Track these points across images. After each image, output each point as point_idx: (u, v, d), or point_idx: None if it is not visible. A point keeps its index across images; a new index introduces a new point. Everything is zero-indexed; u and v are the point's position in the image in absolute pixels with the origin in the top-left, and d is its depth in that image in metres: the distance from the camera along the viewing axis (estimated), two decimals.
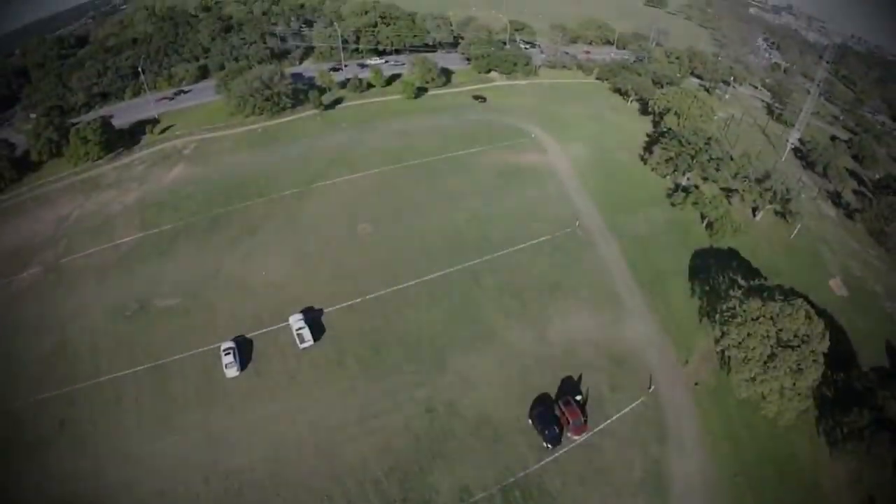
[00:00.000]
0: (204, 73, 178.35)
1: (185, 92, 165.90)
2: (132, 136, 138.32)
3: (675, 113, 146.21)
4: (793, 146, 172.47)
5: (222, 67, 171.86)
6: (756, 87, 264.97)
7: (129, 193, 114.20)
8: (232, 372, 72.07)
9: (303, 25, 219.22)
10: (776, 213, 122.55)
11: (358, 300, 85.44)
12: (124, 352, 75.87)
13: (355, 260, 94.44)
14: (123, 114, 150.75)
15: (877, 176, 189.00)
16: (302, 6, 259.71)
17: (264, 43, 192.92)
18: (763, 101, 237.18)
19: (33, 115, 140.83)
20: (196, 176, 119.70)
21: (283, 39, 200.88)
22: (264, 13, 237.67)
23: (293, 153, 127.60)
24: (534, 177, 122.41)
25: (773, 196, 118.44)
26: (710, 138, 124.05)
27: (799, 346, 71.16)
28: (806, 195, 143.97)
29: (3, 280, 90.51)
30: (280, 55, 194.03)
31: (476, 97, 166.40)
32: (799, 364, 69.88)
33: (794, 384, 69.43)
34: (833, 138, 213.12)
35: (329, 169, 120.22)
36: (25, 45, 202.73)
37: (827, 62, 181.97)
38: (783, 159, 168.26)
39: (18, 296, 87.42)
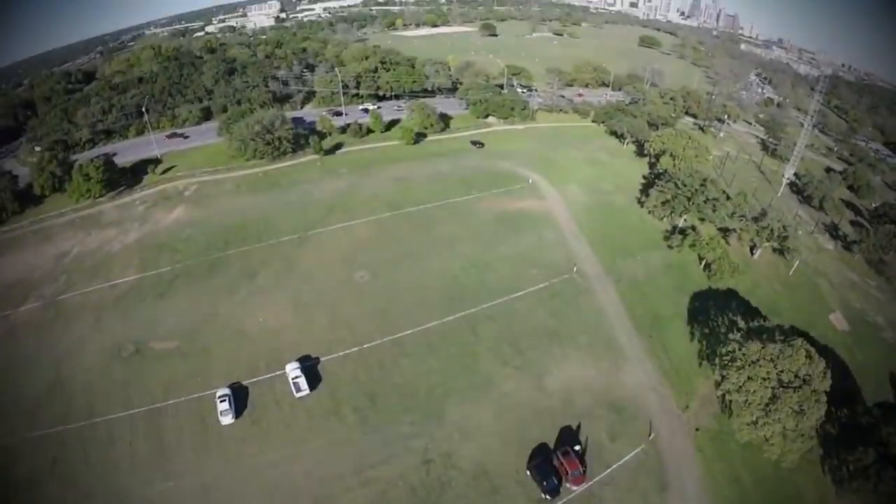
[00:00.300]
0: (207, 115, 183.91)
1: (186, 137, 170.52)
2: (134, 174, 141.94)
3: (671, 154, 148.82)
4: (788, 181, 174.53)
5: (225, 110, 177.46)
6: (750, 124, 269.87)
7: (130, 233, 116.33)
8: (227, 419, 72.11)
9: (304, 70, 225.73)
10: (774, 250, 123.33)
11: (355, 349, 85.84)
12: (119, 393, 76.20)
13: (352, 308, 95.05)
14: (127, 152, 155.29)
15: (873, 205, 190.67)
16: (304, 50, 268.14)
17: (266, 86, 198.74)
18: (757, 136, 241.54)
19: (38, 149, 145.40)
20: (196, 218, 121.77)
21: (285, 83, 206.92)
22: (267, 56, 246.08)
23: (292, 198, 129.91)
24: (531, 222, 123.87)
25: (770, 234, 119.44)
26: (705, 179, 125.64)
27: (800, 387, 71.25)
28: (803, 230, 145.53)
29: (1, 313, 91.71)
30: (282, 99, 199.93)
31: (474, 142, 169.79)
32: (801, 405, 69.77)
33: (797, 426, 69.19)
34: (828, 170, 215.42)
35: (328, 215, 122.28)
36: (34, 77, 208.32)
37: (819, 93, 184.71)
38: (779, 195, 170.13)
39: (16, 330, 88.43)
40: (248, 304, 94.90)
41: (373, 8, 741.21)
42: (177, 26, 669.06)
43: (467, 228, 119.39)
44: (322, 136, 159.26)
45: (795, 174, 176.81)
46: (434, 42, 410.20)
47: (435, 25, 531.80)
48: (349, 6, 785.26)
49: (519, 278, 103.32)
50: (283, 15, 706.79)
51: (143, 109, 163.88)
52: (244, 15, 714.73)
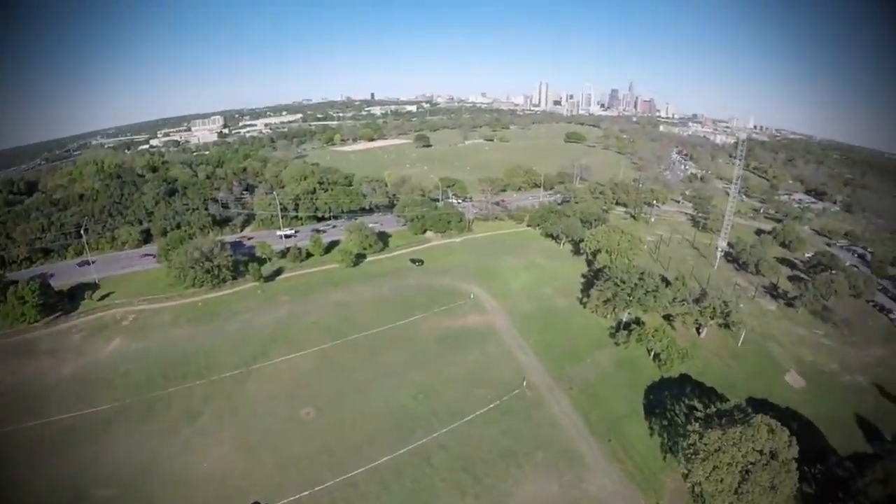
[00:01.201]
0: (147, 237, 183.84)
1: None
2: (71, 299, 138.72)
3: (607, 251, 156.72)
4: (722, 252, 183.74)
5: (165, 233, 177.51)
6: (678, 202, 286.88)
7: (65, 364, 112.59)
8: None
9: (244, 191, 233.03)
10: (720, 325, 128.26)
11: (306, 493, 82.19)
12: None
13: (300, 447, 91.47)
14: (64, 274, 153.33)
15: (807, 255, 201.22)
16: (244, 170, 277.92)
17: (206, 209, 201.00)
18: (687, 214, 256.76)
19: None
20: (134, 351, 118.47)
21: (224, 206, 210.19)
22: (208, 177, 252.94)
23: (233, 329, 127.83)
24: (476, 339, 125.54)
25: (713, 312, 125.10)
26: (642, 273, 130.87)
27: (768, 463, 72.84)
28: (744, 300, 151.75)
29: None
30: (221, 222, 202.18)
31: (413, 260, 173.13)
32: (772, 480, 71.20)
33: (771, 501, 70.59)
34: (758, 232, 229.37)
35: (270, 347, 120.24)
36: None
37: (739, 159, 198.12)
38: (716, 267, 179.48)
39: None
40: (192, 446, 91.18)
41: (312, 123, 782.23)
42: (122, 138, 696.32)
43: (412, 353, 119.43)
44: (262, 261, 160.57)
45: (728, 243, 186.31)
46: (371, 156, 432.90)
47: (371, 139, 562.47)
48: (289, 122, 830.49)
49: (468, 400, 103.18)
50: (226, 130, 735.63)
51: (83, 229, 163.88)
52: (188, 129, 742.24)
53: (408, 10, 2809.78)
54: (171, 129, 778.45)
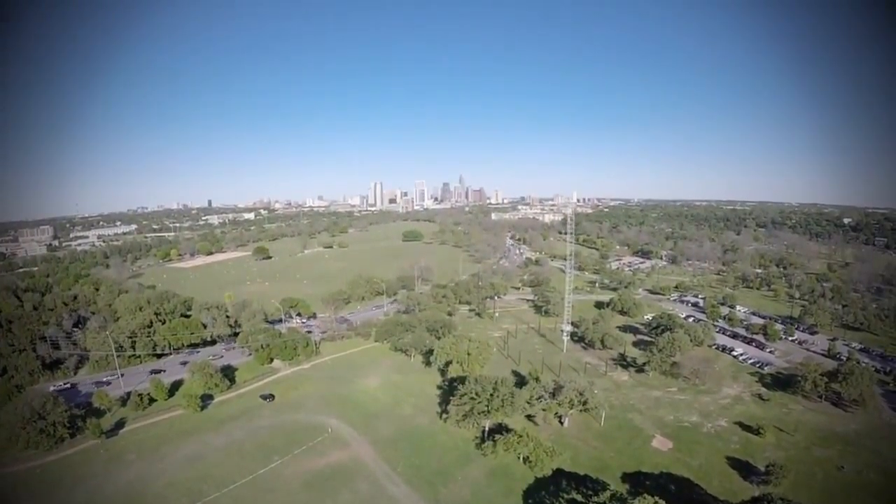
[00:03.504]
0: None
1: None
2: None
3: (457, 361, 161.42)
4: (568, 335, 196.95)
5: None
6: (518, 289, 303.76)
7: None
8: None
9: (76, 326, 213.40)
10: (580, 411, 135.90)
11: None
12: None
13: None
14: None
15: (647, 317, 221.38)
16: (75, 298, 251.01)
17: (34, 351, 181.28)
18: (528, 300, 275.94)
19: None
20: None
21: (55, 345, 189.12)
22: (35, 308, 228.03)
23: (80, 501, 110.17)
24: (344, 478, 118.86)
25: (570, 403, 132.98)
26: (496, 382, 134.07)
27: None
28: (597, 376, 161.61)
29: None
30: (52, 365, 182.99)
31: (263, 396, 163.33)
32: None
33: None
34: (598, 304, 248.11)
35: None
36: None
37: (570, 234, 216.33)
38: (565, 350, 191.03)
39: None
40: None
41: (147, 235, 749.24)
42: None
43: None
44: (100, 413, 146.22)
45: (572, 323, 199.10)
46: (210, 273, 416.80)
47: (210, 253, 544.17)
48: (123, 234, 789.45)
49: None
50: (55, 242, 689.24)
51: None
52: (15, 240, 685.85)
53: (240, 111, 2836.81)
54: None
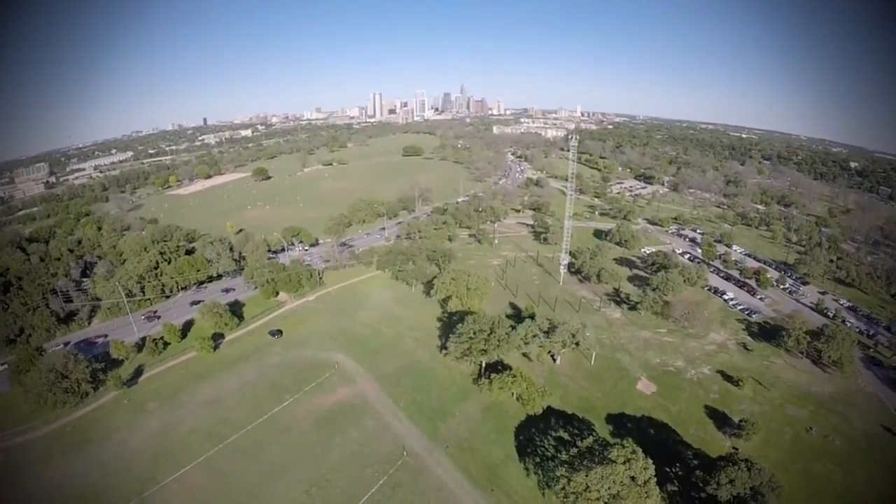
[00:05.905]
0: None
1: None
2: None
3: (457, 296, 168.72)
4: (566, 267, 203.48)
5: (9, 341, 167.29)
6: (519, 211, 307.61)
7: None
8: None
9: (84, 273, 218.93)
10: (573, 349, 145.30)
11: None
12: None
13: None
14: None
15: (644, 251, 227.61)
16: (80, 242, 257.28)
17: (47, 306, 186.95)
18: (528, 226, 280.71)
19: None
20: None
21: (66, 298, 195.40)
22: (42, 259, 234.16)
23: (111, 455, 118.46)
24: (351, 415, 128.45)
25: (563, 343, 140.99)
26: (493, 322, 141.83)
27: (630, 488, 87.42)
28: (590, 312, 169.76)
29: None
30: (66, 318, 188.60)
31: (272, 333, 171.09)
32: (636, 501, 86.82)
33: None
34: (597, 233, 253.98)
35: (155, 468, 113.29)
36: None
37: (572, 152, 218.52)
38: (561, 283, 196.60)
39: None
40: None
41: (144, 161, 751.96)
42: None
43: (294, 445, 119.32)
44: (118, 363, 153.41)
45: (570, 253, 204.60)
46: (210, 199, 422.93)
47: (209, 177, 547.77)
48: (120, 162, 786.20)
49: (359, 484, 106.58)
50: (52, 179, 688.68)
51: None
52: (11, 181, 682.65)
53: (234, 24, 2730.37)
54: None
